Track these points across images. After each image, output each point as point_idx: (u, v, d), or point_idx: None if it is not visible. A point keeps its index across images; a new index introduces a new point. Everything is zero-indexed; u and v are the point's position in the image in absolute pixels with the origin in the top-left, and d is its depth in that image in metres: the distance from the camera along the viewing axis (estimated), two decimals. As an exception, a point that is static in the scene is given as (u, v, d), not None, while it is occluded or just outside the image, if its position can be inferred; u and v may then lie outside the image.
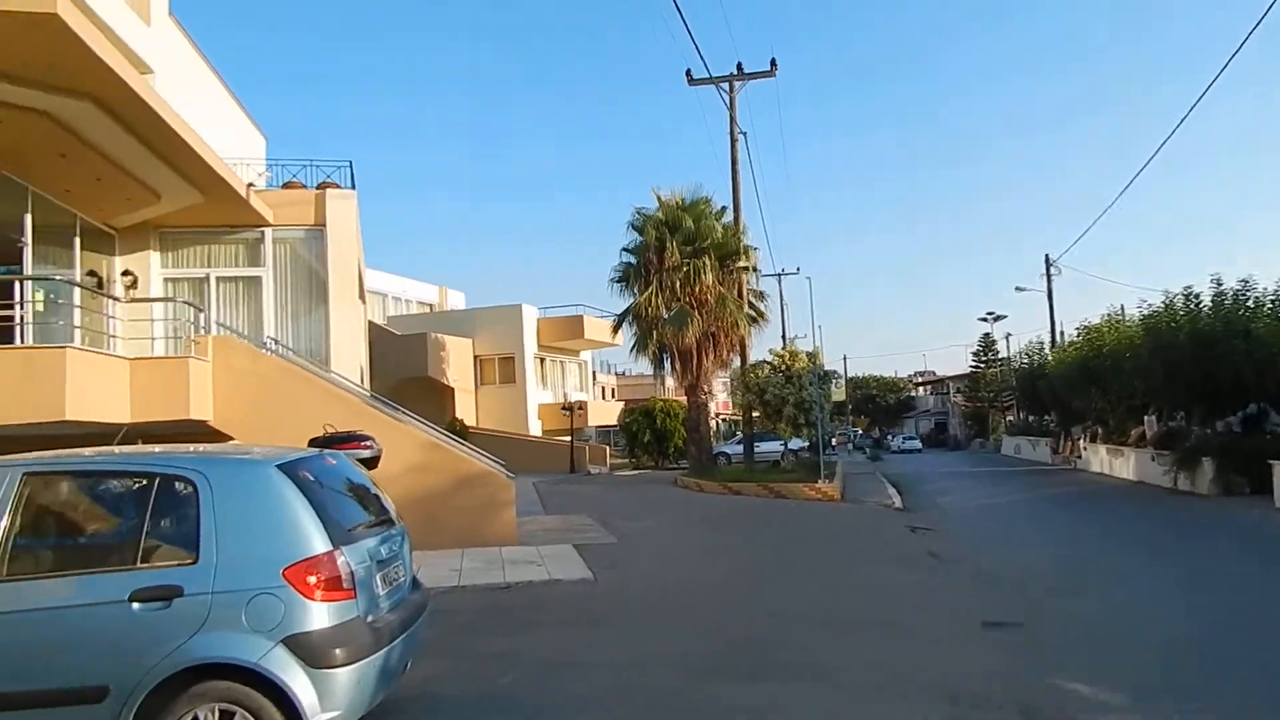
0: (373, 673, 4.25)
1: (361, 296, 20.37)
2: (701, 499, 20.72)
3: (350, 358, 16.77)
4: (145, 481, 4.30)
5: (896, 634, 7.36)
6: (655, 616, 8.12)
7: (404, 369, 31.05)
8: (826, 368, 25.96)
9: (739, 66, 25.60)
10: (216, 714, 3.91)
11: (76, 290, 11.57)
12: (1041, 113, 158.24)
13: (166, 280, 16.22)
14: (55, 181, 12.78)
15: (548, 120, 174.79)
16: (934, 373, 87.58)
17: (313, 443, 7.44)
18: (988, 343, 56.40)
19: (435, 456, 12.38)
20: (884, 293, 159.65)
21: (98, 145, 11.60)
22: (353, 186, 17.76)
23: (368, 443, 7.68)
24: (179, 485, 4.25)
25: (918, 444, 59.70)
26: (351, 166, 18.17)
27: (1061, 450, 35.14)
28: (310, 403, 11.40)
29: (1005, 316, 55.79)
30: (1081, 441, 33.12)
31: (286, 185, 17.73)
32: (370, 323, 32.46)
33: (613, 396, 57.77)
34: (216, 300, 16.41)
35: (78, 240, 14.28)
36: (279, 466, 4.39)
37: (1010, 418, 51.15)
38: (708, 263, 23.86)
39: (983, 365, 56.55)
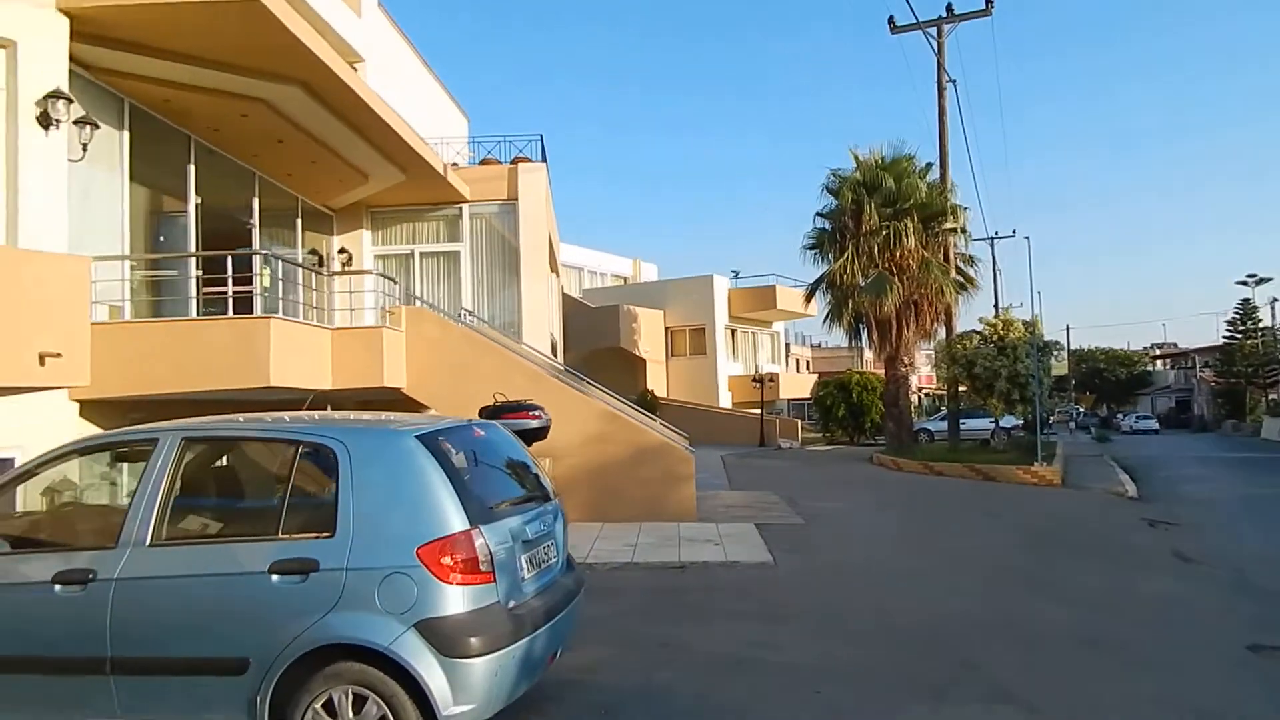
0: (512, 664, 3.93)
1: (554, 268, 20.75)
2: (899, 479, 19.37)
3: (540, 328, 17.06)
4: (290, 450, 4.20)
5: (1128, 657, 6.16)
6: (838, 613, 7.36)
7: (597, 340, 31.68)
8: (1046, 338, 23.21)
9: (949, 8, 23.39)
10: (350, 698, 3.74)
11: (299, 269, 12.44)
12: None
13: (376, 257, 17.26)
14: (277, 166, 13.84)
15: (751, 106, 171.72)
16: (1175, 345, 77.73)
17: (482, 412, 7.39)
18: (1247, 309, 48.81)
19: (613, 427, 12.21)
20: (1116, 259, 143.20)
21: (310, 129, 12.34)
22: (543, 159, 17.99)
23: (536, 412, 7.53)
24: (320, 454, 4.11)
25: (1154, 424, 53.15)
26: (542, 140, 18.40)
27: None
28: (492, 372, 11.58)
29: (1270, 279, 47.73)
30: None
31: (483, 162, 18.29)
32: (565, 295, 33.41)
33: (807, 369, 56.20)
34: (420, 274, 17.28)
35: (299, 221, 15.49)
36: (418, 437, 4.15)
37: (1274, 396, 44.13)
38: (909, 225, 22.08)
39: (1240, 335, 49.05)
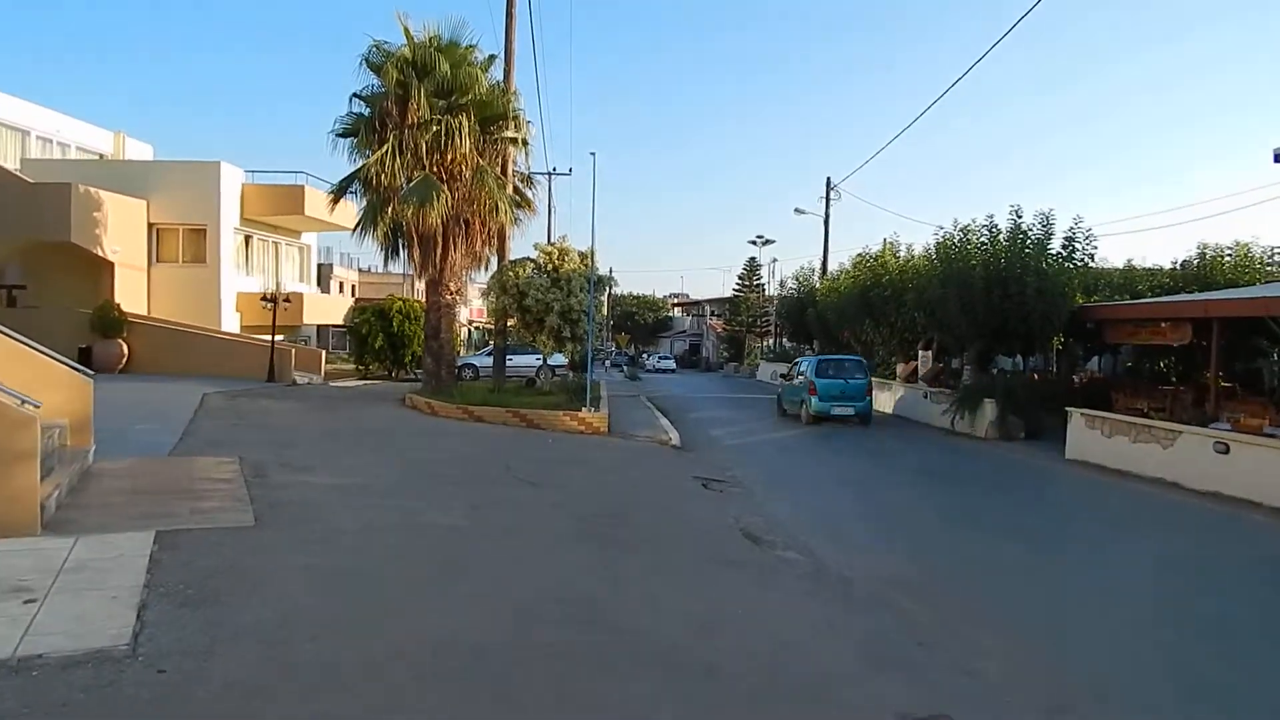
0: None
1: None
2: (430, 427, 15.95)
3: None
4: None
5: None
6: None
7: (35, 229, 22.70)
8: (601, 272, 21.62)
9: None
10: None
11: None
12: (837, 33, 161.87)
13: None
14: None
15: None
16: (688, 295, 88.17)
17: None
18: (752, 267, 55.77)
19: None
20: (646, 209, 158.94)
21: None
22: None
23: None
24: None
25: (672, 364, 58.93)
26: None
27: (823, 380, 34.28)
28: None
29: (774, 241, 55.17)
30: (842, 373, 32.33)
31: None
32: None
33: (352, 294, 50.34)
34: None
35: None
36: None
37: (769, 343, 50.96)
38: (465, 123, 18.39)
39: (746, 290, 55.94)
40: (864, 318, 26.87)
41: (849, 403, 20.83)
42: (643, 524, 8.70)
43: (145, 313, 24.95)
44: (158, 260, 26.14)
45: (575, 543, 7.48)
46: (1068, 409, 16.23)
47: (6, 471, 6.04)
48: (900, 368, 25.91)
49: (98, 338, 22.72)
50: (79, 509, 6.98)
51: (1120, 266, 23.45)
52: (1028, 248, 19.33)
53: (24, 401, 6.80)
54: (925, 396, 23.00)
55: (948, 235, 21.75)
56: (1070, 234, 19.69)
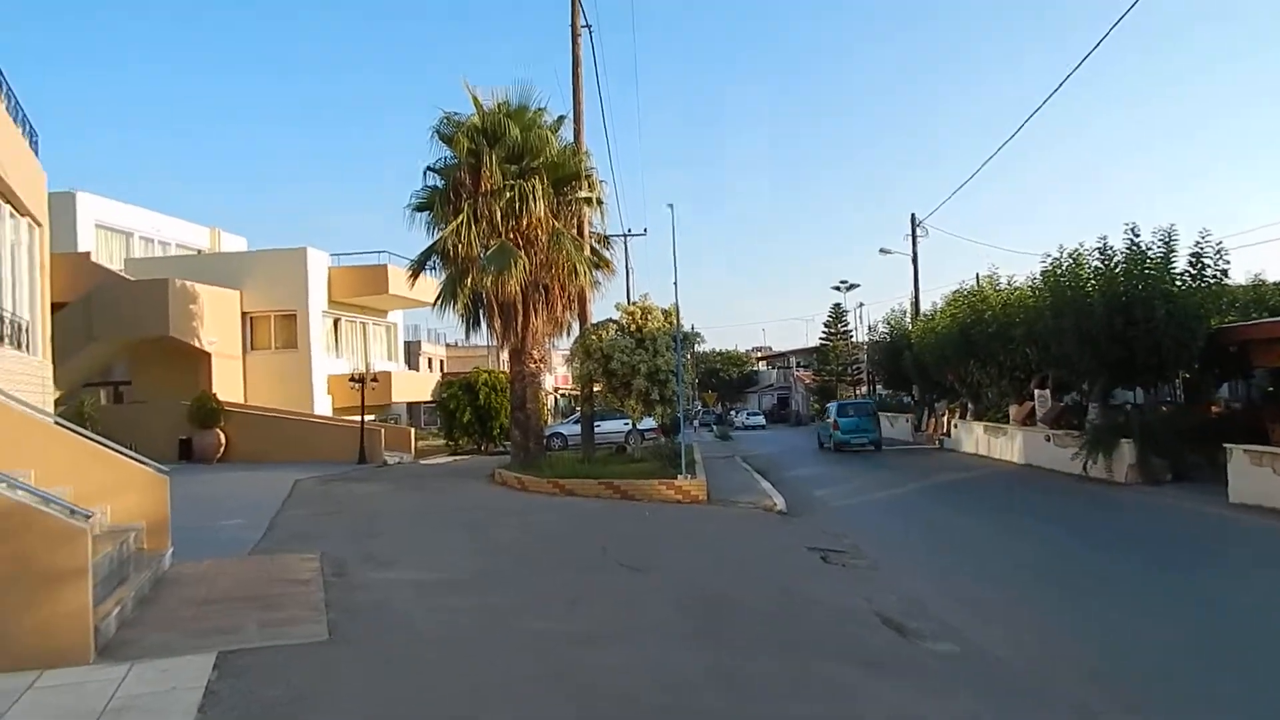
0: None
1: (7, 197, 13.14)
2: (523, 504, 15.18)
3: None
4: None
5: None
6: None
7: (137, 326, 23.44)
8: (687, 328, 20.75)
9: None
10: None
11: None
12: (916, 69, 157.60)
13: None
14: None
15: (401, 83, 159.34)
16: (770, 348, 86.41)
17: None
18: (838, 314, 54.09)
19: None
20: (721, 262, 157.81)
21: None
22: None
23: None
24: None
25: (761, 420, 57.47)
26: None
27: (925, 428, 32.26)
28: None
29: (858, 285, 53.44)
30: (946, 418, 30.30)
31: None
32: (90, 262, 24.48)
33: (441, 369, 50.97)
34: None
35: None
36: None
37: (862, 391, 48.90)
38: (538, 186, 18.08)
39: (833, 337, 54.22)
40: (967, 357, 25.13)
41: (864, 434, 28.50)
42: (762, 612, 7.57)
43: (242, 400, 25.38)
44: (252, 348, 26.70)
45: (688, 644, 6.42)
46: (1226, 445, 14.31)
47: (52, 594, 5.43)
48: (1014, 410, 23.96)
49: (196, 428, 23.10)
50: (142, 626, 6.35)
51: (1244, 283, 21.21)
52: (1149, 269, 17.58)
53: (74, 511, 6.25)
54: (1048, 440, 21.08)
55: (1055, 262, 20.12)
56: (1197, 250, 17.87)
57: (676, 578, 9.06)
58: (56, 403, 18.90)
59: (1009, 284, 24.15)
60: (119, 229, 29.02)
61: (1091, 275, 18.73)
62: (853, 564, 9.91)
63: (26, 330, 13.73)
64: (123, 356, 25.62)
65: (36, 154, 14.91)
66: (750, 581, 9.02)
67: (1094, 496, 15.80)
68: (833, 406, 31.33)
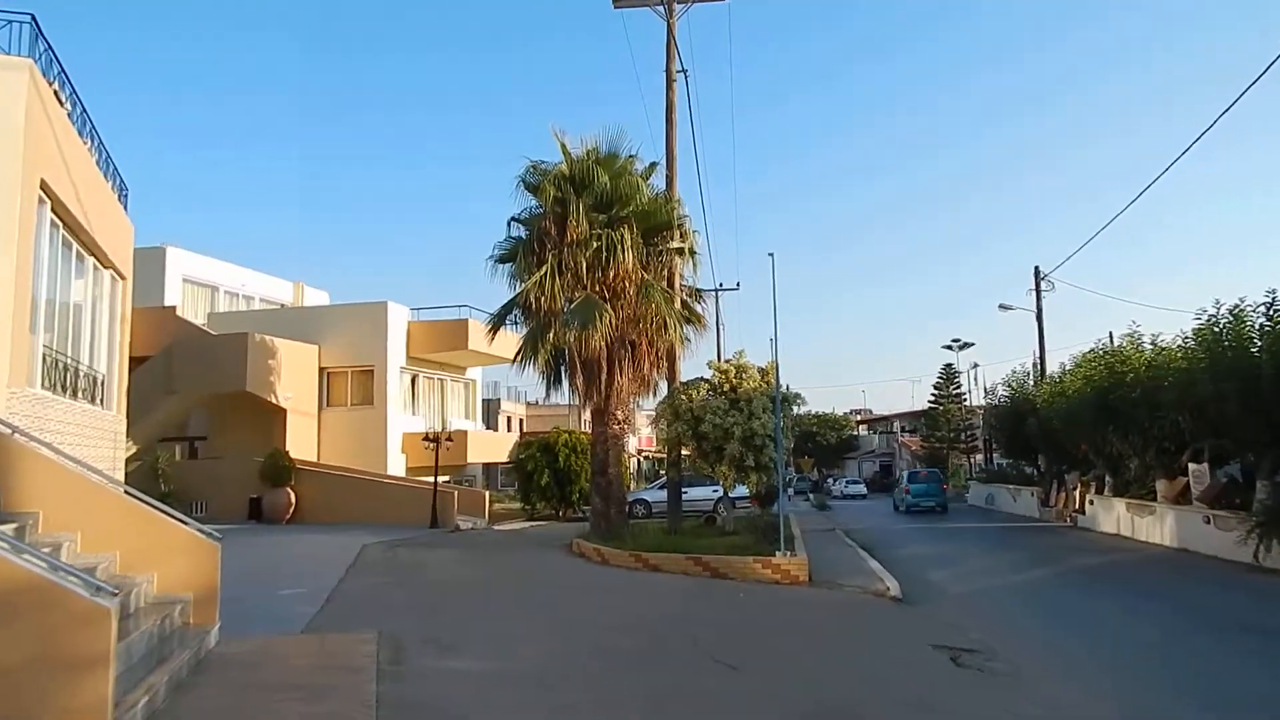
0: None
1: (95, 252, 12.55)
2: (603, 580, 13.44)
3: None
4: None
5: None
6: None
7: (215, 380, 23.00)
8: (785, 388, 18.75)
9: (679, -20, 19.05)
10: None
11: None
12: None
13: None
14: None
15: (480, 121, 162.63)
16: (870, 410, 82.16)
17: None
18: (949, 375, 50.68)
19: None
20: (818, 320, 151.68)
21: None
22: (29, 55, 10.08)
23: None
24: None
25: (862, 488, 53.24)
26: (35, 22, 10.55)
27: (1054, 502, 28.95)
28: None
29: (972, 344, 49.88)
30: (1079, 492, 27.09)
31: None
32: (174, 316, 24.34)
33: (520, 429, 49.98)
34: None
35: None
36: None
37: (977, 460, 45.47)
38: (627, 236, 16.76)
39: (943, 400, 50.75)
40: (1105, 425, 22.27)
41: (930, 498, 33.57)
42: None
43: (315, 458, 24.60)
44: (328, 404, 26.07)
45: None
46: None
47: (69, 684, 4.33)
48: (1163, 485, 20.93)
49: (267, 486, 22.31)
50: (180, 713, 4.98)
51: None
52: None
53: (99, 589, 4.99)
54: (1208, 521, 18.12)
55: (1210, 319, 17.56)
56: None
57: (782, 679, 7.32)
58: (131, 458, 18.42)
59: (1154, 343, 21.40)
60: (205, 283, 29.23)
61: (1257, 334, 16.20)
62: (990, 667, 7.85)
63: (102, 384, 13.10)
64: (200, 411, 25.29)
65: (125, 208, 14.55)
66: (871, 689, 7.11)
67: (1273, 591, 13.05)
68: (904, 474, 38.66)
